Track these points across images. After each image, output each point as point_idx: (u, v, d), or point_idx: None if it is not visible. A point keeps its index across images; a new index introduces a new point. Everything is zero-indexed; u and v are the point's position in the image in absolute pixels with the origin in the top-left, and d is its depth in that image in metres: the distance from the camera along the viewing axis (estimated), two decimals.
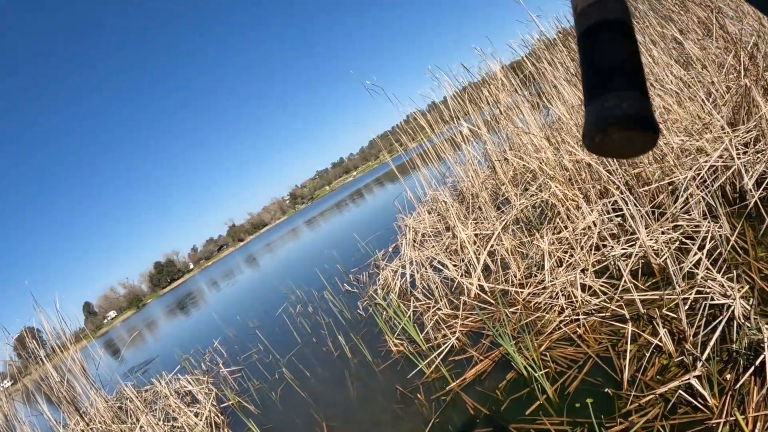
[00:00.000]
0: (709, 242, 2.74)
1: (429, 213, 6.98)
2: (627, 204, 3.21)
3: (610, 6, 0.37)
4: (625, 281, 2.94)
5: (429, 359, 3.58)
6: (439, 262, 5.05)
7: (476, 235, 4.99)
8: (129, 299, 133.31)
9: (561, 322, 3.09)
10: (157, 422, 4.65)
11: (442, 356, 3.56)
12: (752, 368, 1.85)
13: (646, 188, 3.65)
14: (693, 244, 2.78)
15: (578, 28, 0.38)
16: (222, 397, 5.68)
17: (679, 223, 3.13)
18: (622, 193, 3.42)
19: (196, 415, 4.87)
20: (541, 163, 4.64)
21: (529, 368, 2.71)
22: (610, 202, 3.76)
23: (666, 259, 2.82)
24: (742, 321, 2.07)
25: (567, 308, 3.18)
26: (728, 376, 1.95)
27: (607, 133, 0.33)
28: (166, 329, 22.35)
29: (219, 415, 5.02)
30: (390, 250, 7.84)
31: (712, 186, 3.13)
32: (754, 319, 2.06)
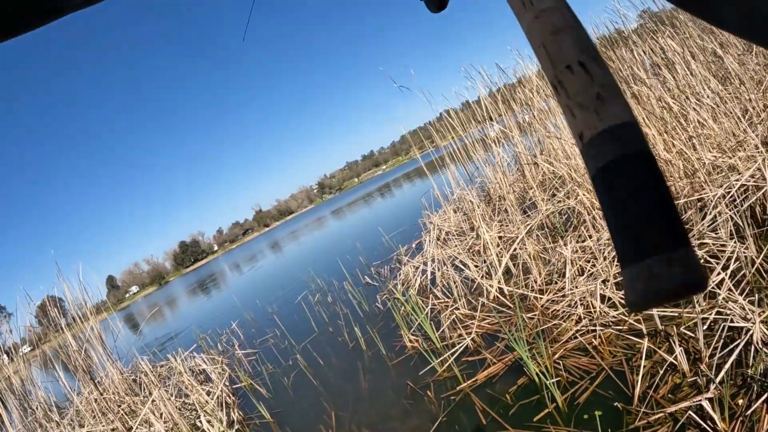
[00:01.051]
0: (734, 263, 2.69)
1: (455, 212, 6.97)
2: None
3: (629, 136, 0.31)
4: None
5: (442, 358, 3.60)
6: (461, 261, 5.04)
7: (500, 237, 4.97)
8: (152, 276, 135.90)
9: (577, 331, 3.08)
10: (170, 397, 4.73)
11: (455, 356, 3.57)
12: (766, 395, 1.83)
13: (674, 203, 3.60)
14: (717, 264, 2.74)
15: (592, 162, 0.32)
16: (235, 378, 5.77)
17: (704, 241, 3.08)
18: None
19: (208, 393, 4.95)
20: (570, 170, 4.60)
21: (542, 375, 2.70)
22: None
23: None
24: (760, 346, 2.04)
25: (585, 318, 3.16)
26: (740, 401, 1.93)
27: (660, 304, 0.29)
28: (185, 308, 22.75)
29: (230, 395, 5.09)
30: (413, 246, 7.84)
31: (742, 205, 3.07)
32: None
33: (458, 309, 4.29)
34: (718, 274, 2.65)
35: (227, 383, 5.36)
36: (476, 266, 4.86)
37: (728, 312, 2.33)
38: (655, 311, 2.66)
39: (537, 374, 2.77)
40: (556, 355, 2.93)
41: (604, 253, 3.56)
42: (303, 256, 17.76)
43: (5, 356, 6.52)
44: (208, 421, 4.39)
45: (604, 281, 3.31)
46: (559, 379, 2.68)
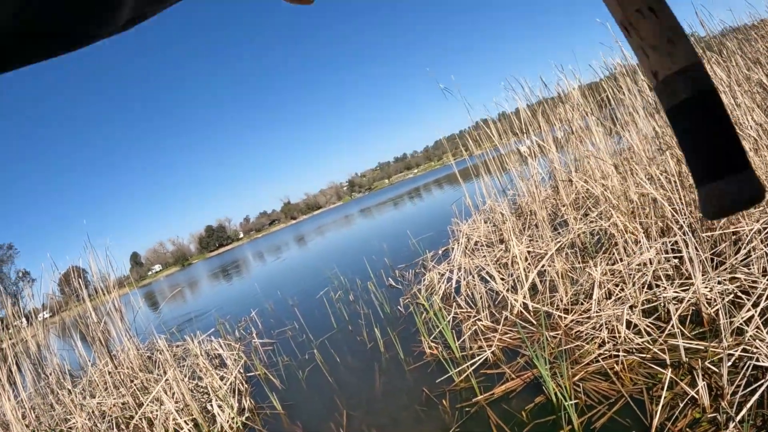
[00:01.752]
0: (765, 300, 2.66)
1: (484, 222, 6.96)
2: (687, 246, 3.15)
3: (700, 76, 0.37)
4: (672, 325, 2.89)
5: (461, 368, 3.60)
6: (487, 272, 5.03)
7: (529, 252, 4.95)
8: (176, 256, 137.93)
9: (600, 355, 3.06)
10: (183, 378, 4.80)
11: (474, 367, 3.57)
12: None
13: (709, 233, 3.56)
14: (747, 300, 2.70)
15: (667, 99, 0.39)
16: (250, 366, 5.84)
17: (736, 275, 3.04)
18: (684, 234, 3.35)
19: (222, 378, 5.00)
20: (605, 190, 4.57)
21: (560, 396, 2.70)
22: (670, 242, 3.69)
23: (718, 310, 2.76)
24: None
25: (608, 342, 3.14)
26: None
27: (733, 213, 0.36)
28: (206, 291, 23.05)
29: (244, 383, 5.14)
30: (440, 252, 7.85)
31: None
32: None
33: (481, 320, 4.29)
34: (748, 310, 2.62)
35: (241, 370, 5.42)
36: (502, 279, 4.86)
37: (755, 350, 2.30)
38: (681, 342, 2.64)
39: (555, 394, 2.77)
40: (576, 377, 2.92)
41: (634, 278, 3.53)
42: (328, 251, 17.85)
43: (24, 320, 6.66)
44: (219, 406, 4.46)
45: (631, 306, 3.28)
46: (577, 401, 2.67)
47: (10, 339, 5.89)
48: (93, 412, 4.90)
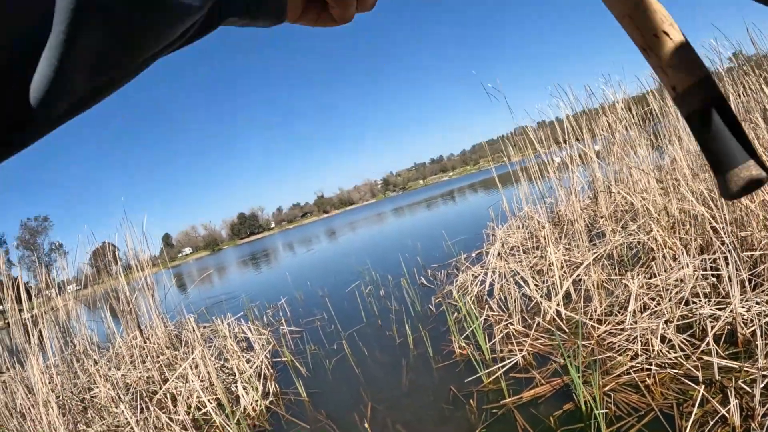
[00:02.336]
0: None
1: (519, 228, 6.96)
2: (727, 264, 3.13)
3: (711, 86, 0.44)
4: (707, 343, 2.88)
5: (490, 369, 3.63)
6: (521, 277, 5.04)
7: (564, 260, 4.95)
8: (207, 241, 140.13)
9: (631, 367, 3.06)
10: (210, 357, 4.91)
11: (504, 369, 3.58)
12: None
13: (749, 253, 3.53)
14: None
15: (685, 107, 0.45)
16: (277, 352, 5.91)
17: None
18: (725, 252, 3.33)
19: (248, 361, 5.06)
20: (646, 203, 4.54)
21: (590, 404, 2.73)
22: (710, 259, 3.66)
23: (754, 330, 2.75)
24: None
25: (641, 355, 3.14)
26: None
27: (746, 194, 0.43)
28: (236, 277, 23.47)
29: (270, 367, 5.19)
30: (473, 255, 7.85)
31: None
32: None
33: (512, 324, 4.31)
34: None
35: (268, 355, 5.50)
36: (536, 285, 4.86)
37: None
38: (715, 360, 2.64)
39: (585, 402, 2.79)
40: (606, 387, 2.94)
41: (671, 293, 3.52)
42: (360, 247, 17.98)
43: (54, 290, 6.84)
44: (244, 388, 4.53)
45: (666, 321, 3.28)
46: (606, 411, 2.69)
47: (41, 307, 6.04)
48: (117, 383, 5.01)
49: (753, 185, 0.43)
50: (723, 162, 0.44)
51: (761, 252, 3.45)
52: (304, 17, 0.45)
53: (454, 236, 9.87)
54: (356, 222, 42.46)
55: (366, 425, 3.47)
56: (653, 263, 4.10)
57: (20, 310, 5.65)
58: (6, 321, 5.87)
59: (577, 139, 6.31)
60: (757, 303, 3.05)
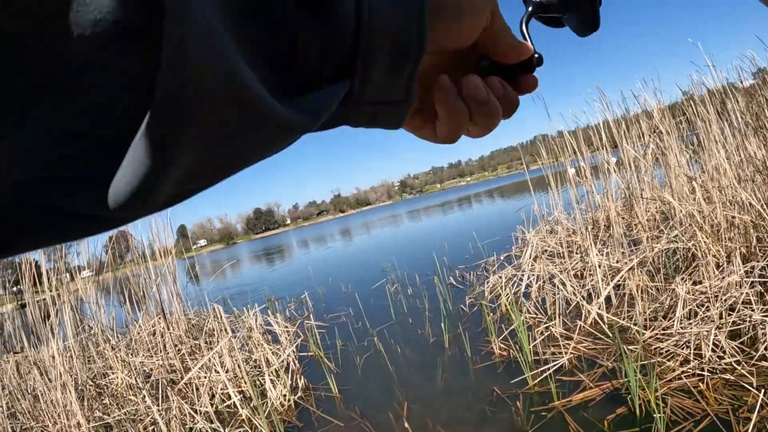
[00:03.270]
0: None
1: (550, 233, 6.93)
2: None
3: None
4: (756, 348, 2.87)
5: (535, 371, 3.60)
6: (560, 281, 5.02)
7: (605, 264, 4.92)
8: (222, 234, 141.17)
9: (683, 372, 3.05)
10: (237, 348, 4.83)
11: (549, 372, 3.57)
12: None
13: None
14: None
15: None
16: (303, 345, 5.84)
17: None
18: None
19: (274, 354, 4.94)
20: (692, 209, 4.51)
21: (645, 408, 2.72)
22: (759, 267, 3.63)
23: None
24: None
25: (693, 360, 3.13)
26: None
27: None
28: (251, 270, 23.64)
29: (296, 362, 5.07)
30: (502, 258, 7.83)
31: None
32: None
33: (554, 327, 4.30)
34: None
35: (294, 349, 5.34)
36: (574, 289, 4.84)
37: None
38: None
39: (640, 406, 2.78)
40: (658, 392, 2.92)
41: (720, 300, 3.49)
42: (382, 245, 17.99)
43: (71, 274, 6.86)
44: (272, 381, 4.44)
45: (717, 327, 3.26)
46: (662, 415, 2.68)
47: (57, 289, 6.01)
48: (136, 369, 4.91)
49: None
50: None
51: None
52: (409, 124, 0.43)
53: (482, 239, 9.86)
54: (371, 222, 42.45)
55: (405, 424, 3.44)
56: (696, 270, 4.07)
57: (36, 292, 5.64)
58: (20, 302, 5.88)
59: (614, 147, 6.29)
60: None
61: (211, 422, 3.99)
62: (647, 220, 5.48)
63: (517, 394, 3.46)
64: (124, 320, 6.77)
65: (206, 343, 5.49)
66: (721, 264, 3.96)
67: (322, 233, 48.55)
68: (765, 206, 3.85)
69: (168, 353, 5.17)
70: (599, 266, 4.65)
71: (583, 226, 5.99)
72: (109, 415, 4.35)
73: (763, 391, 2.52)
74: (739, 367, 2.87)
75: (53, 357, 4.62)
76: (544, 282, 5.10)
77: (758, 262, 3.67)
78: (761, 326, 3.12)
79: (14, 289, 6.85)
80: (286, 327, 6.02)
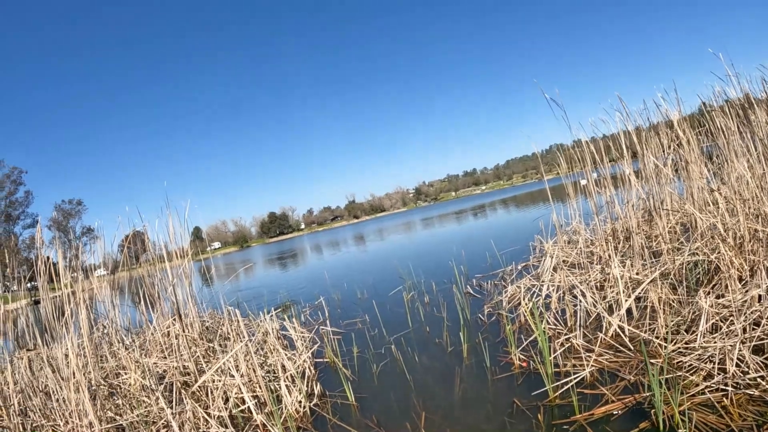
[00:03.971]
0: None
1: (568, 243, 6.91)
2: None
3: None
4: None
5: (556, 384, 3.58)
6: (580, 291, 5.00)
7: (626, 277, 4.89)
8: (236, 237, 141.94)
9: (706, 387, 3.03)
10: (253, 352, 4.71)
11: (570, 384, 3.52)
12: None
13: None
14: None
15: None
16: (319, 351, 5.85)
17: None
18: None
19: (290, 359, 4.93)
20: (716, 221, 4.47)
21: (669, 423, 2.70)
22: None
23: None
24: None
25: (717, 375, 3.10)
26: None
27: None
28: (264, 274, 23.66)
29: (312, 368, 5.10)
30: (519, 267, 7.82)
31: None
32: None
33: (574, 338, 4.27)
34: None
35: (310, 355, 5.38)
36: (595, 301, 4.81)
37: None
38: None
39: (663, 421, 2.76)
40: (682, 407, 2.90)
41: (746, 313, 3.46)
42: (396, 252, 17.95)
43: (86, 272, 6.90)
44: (287, 387, 4.40)
45: (741, 342, 3.23)
46: (686, 431, 2.66)
47: (72, 288, 6.05)
48: (149, 371, 4.88)
49: None
50: None
51: None
52: None
53: (500, 248, 9.83)
54: (385, 229, 42.54)
55: None
56: (719, 283, 4.04)
57: (52, 289, 5.69)
58: (34, 299, 5.92)
59: (634, 156, 6.25)
60: None
61: (226, 427, 3.97)
62: (668, 231, 5.44)
63: (538, 406, 3.44)
64: (138, 320, 6.83)
65: (221, 346, 5.51)
66: (744, 277, 3.93)
67: (335, 239, 48.70)
68: None
69: (182, 355, 5.16)
70: (620, 278, 4.61)
71: (602, 237, 5.95)
72: (121, 416, 4.34)
73: None
74: (763, 383, 2.84)
75: (66, 355, 4.56)
76: (564, 293, 5.07)
77: None
78: None
79: (29, 285, 6.92)
80: (302, 332, 6.02)
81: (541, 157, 7.31)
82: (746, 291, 3.68)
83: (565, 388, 3.51)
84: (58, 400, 4.40)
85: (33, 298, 6.01)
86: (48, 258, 6.14)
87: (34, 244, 6.08)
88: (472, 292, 7.37)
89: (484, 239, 12.10)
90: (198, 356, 5.22)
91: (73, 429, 4.10)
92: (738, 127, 5.22)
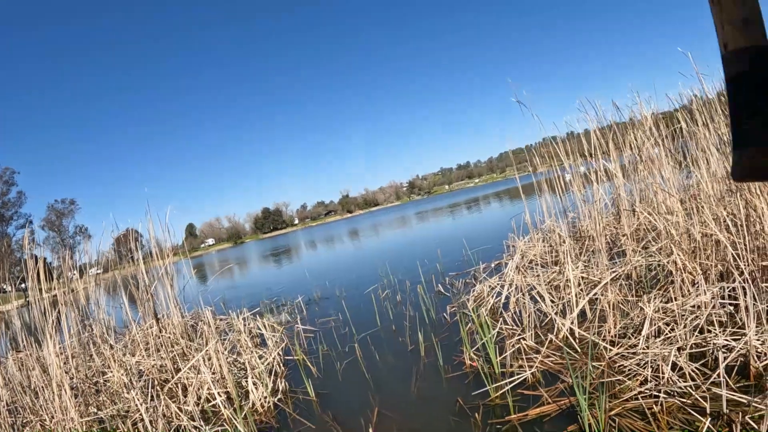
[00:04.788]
0: None
1: (541, 241, 6.91)
2: (745, 294, 3.08)
3: (761, 58, 0.42)
4: (718, 374, 2.84)
5: (498, 384, 3.62)
6: (538, 293, 5.01)
7: (582, 278, 4.90)
8: (230, 233, 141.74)
9: (639, 393, 3.03)
10: (223, 351, 4.96)
11: (512, 385, 3.56)
12: None
13: None
14: None
15: (729, 69, 0.45)
16: (289, 349, 5.94)
17: None
18: (744, 281, 3.27)
19: (260, 357, 5.12)
20: (669, 225, 4.48)
21: (594, 428, 2.71)
22: (728, 287, 3.60)
23: (767, 365, 2.71)
24: None
25: (651, 381, 3.11)
26: None
27: (757, 180, 0.45)
28: (255, 271, 23.80)
29: (281, 365, 5.29)
30: (492, 266, 7.83)
31: None
32: None
33: (525, 340, 4.29)
34: None
35: (281, 353, 5.55)
36: (552, 302, 4.82)
37: None
38: (724, 392, 2.60)
39: (589, 425, 2.77)
40: (612, 411, 2.91)
41: (686, 319, 3.47)
42: (381, 249, 18.03)
43: (76, 273, 6.93)
44: (254, 384, 4.59)
45: (679, 348, 3.24)
46: None
47: (62, 288, 6.13)
48: (131, 369, 5.11)
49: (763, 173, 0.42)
50: (745, 137, 0.43)
51: None
52: None
53: (476, 245, 9.84)
54: (379, 224, 42.57)
55: (371, 431, 3.49)
56: (671, 287, 4.04)
57: (41, 290, 5.73)
58: (26, 300, 5.97)
59: (604, 153, 6.24)
60: None
61: (194, 420, 4.13)
62: (633, 232, 5.44)
63: (479, 405, 3.48)
64: (123, 320, 6.89)
65: (199, 345, 5.63)
66: (697, 281, 3.93)
67: (329, 234, 48.76)
68: (743, 224, 3.80)
69: (161, 354, 5.35)
70: (575, 280, 4.62)
71: (569, 236, 5.96)
72: (101, 411, 4.51)
73: (710, 418, 2.49)
74: (695, 392, 2.84)
75: (51, 356, 4.74)
76: (523, 293, 5.08)
77: (729, 282, 3.64)
78: (723, 351, 3.09)
79: (21, 286, 6.95)
80: (274, 332, 6.19)
81: (518, 154, 7.30)
82: (697, 295, 3.68)
83: (506, 389, 3.52)
84: (45, 398, 4.54)
85: (26, 299, 6.05)
86: (45, 259, 6.18)
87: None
88: (442, 290, 7.38)
89: (467, 235, 12.10)
90: (175, 355, 5.38)
91: (58, 423, 4.25)
92: (701, 129, 5.19)
